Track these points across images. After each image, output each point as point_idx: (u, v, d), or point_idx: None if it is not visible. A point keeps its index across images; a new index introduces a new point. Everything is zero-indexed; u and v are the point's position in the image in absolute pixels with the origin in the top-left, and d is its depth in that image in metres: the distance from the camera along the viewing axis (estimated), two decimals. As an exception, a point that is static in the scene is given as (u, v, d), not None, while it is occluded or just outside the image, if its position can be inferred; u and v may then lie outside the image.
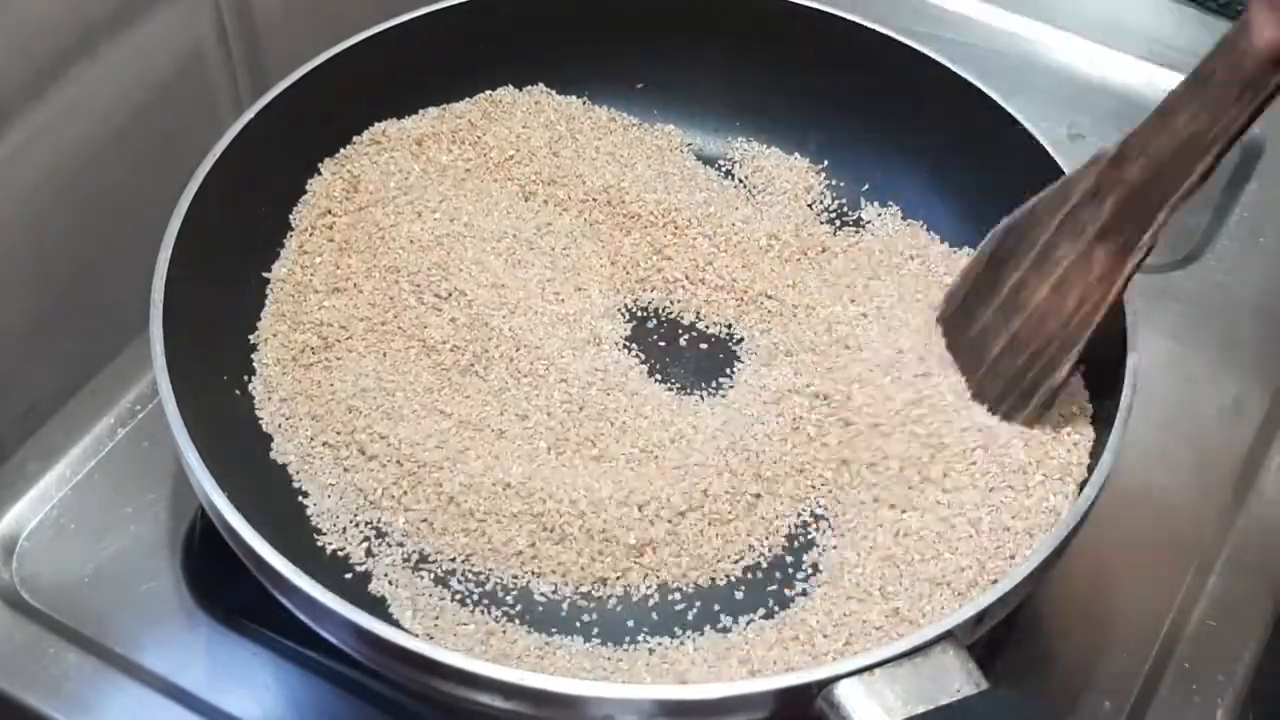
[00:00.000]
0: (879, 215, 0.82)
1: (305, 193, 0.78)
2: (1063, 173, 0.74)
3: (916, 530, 0.66)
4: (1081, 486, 0.66)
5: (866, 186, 0.83)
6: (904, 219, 0.82)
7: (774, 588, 0.66)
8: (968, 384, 0.69)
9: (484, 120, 0.82)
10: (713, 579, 0.66)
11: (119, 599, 0.71)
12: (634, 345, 0.76)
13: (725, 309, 0.77)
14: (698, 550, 0.66)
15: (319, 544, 0.67)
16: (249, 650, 0.69)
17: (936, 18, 0.99)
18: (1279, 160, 0.92)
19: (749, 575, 0.67)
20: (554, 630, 0.64)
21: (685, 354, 0.76)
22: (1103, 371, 0.70)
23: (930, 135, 0.81)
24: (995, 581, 0.62)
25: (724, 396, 0.74)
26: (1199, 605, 0.72)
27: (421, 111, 0.82)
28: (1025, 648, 0.70)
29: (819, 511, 0.68)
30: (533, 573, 0.66)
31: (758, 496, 0.68)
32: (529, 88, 0.84)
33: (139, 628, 0.70)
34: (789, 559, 0.67)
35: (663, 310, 0.78)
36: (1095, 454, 0.67)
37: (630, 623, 0.65)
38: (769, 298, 0.77)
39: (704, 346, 0.76)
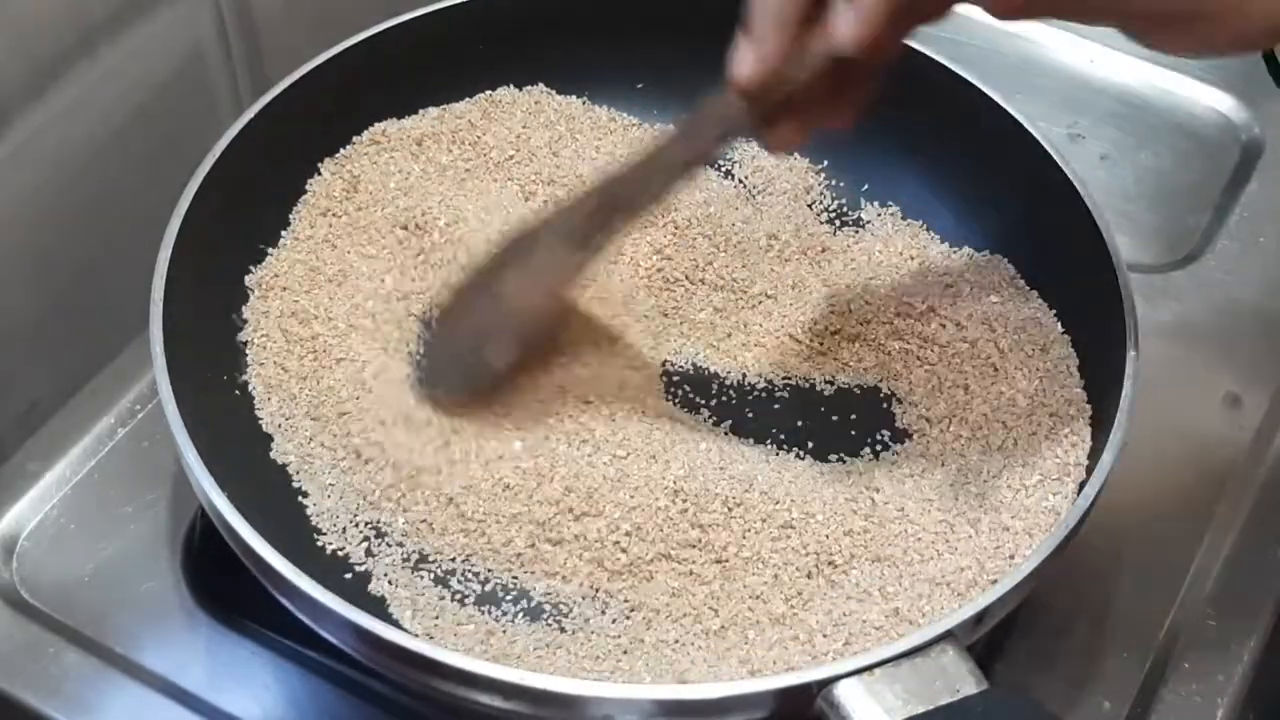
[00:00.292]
0: (879, 215, 0.82)
1: (305, 192, 0.78)
2: (1063, 173, 0.74)
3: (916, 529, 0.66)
4: (1081, 487, 0.66)
5: (866, 186, 0.83)
6: (904, 219, 0.82)
7: (773, 584, 0.66)
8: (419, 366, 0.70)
9: (484, 120, 0.82)
10: (711, 580, 0.66)
11: (119, 599, 0.71)
12: (633, 348, 0.76)
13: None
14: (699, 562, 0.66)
15: (319, 544, 0.67)
16: (249, 650, 0.69)
17: (936, 17, 0.99)
18: (1279, 160, 0.92)
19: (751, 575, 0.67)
20: (554, 630, 0.64)
21: (682, 360, 0.76)
22: (1102, 371, 0.70)
23: (930, 135, 0.81)
24: (995, 581, 0.62)
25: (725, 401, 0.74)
26: (1199, 605, 0.72)
27: (421, 111, 0.82)
28: (1025, 648, 0.70)
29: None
30: (532, 573, 0.66)
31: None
32: (529, 88, 0.84)
33: (139, 628, 0.70)
34: (788, 559, 0.67)
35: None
36: (1095, 454, 0.67)
37: (630, 622, 0.64)
38: (769, 298, 0.77)
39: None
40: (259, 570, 0.61)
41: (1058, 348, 0.73)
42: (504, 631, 0.64)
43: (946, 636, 0.58)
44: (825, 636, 0.63)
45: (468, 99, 0.83)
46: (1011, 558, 0.65)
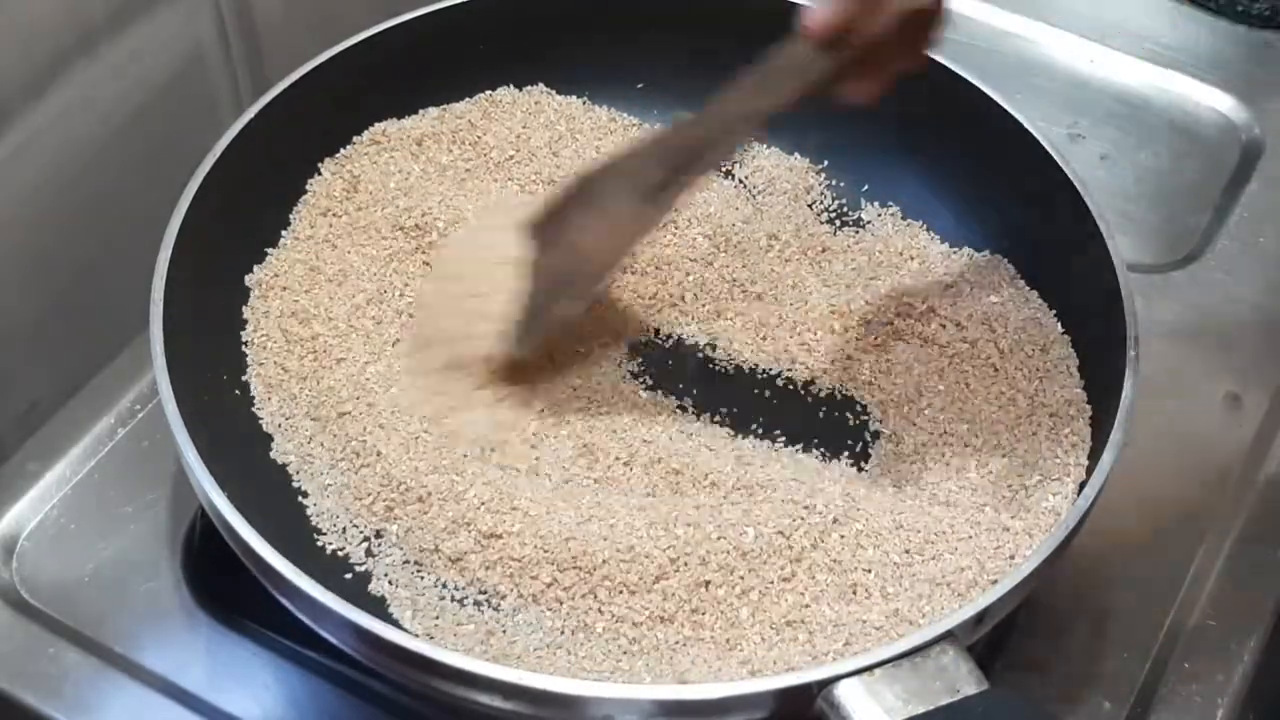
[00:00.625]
0: (879, 215, 0.82)
1: (305, 192, 0.78)
2: (1063, 173, 0.74)
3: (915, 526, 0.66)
4: (1081, 487, 0.66)
5: (866, 186, 0.83)
6: (904, 219, 0.82)
7: (773, 584, 0.66)
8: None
9: (484, 120, 0.82)
10: (710, 582, 0.66)
11: (119, 599, 0.71)
12: (634, 350, 0.76)
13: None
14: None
15: (319, 544, 0.67)
16: (249, 650, 0.69)
17: (936, 18, 0.99)
18: (1279, 160, 0.92)
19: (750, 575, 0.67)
20: (554, 630, 0.64)
21: (685, 358, 0.76)
22: (1102, 371, 0.70)
23: (930, 135, 0.81)
24: (995, 581, 0.62)
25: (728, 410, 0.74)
26: (1199, 605, 0.72)
27: (421, 112, 0.82)
28: (1025, 648, 0.70)
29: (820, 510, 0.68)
30: (532, 580, 0.66)
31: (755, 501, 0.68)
32: (529, 88, 0.84)
33: (139, 628, 0.70)
34: (789, 559, 0.67)
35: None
36: (1095, 454, 0.67)
37: (630, 622, 0.64)
38: (769, 297, 0.77)
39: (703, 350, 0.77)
40: (259, 570, 0.61)
41: (1058, 348, 0.73)
42: (504, 631, 0.64)
43: (947, 637, 0.58)
44: (825, 636, 0.63)
45: (468, 99, 0.83)
46: (1011, 558, 0.65)
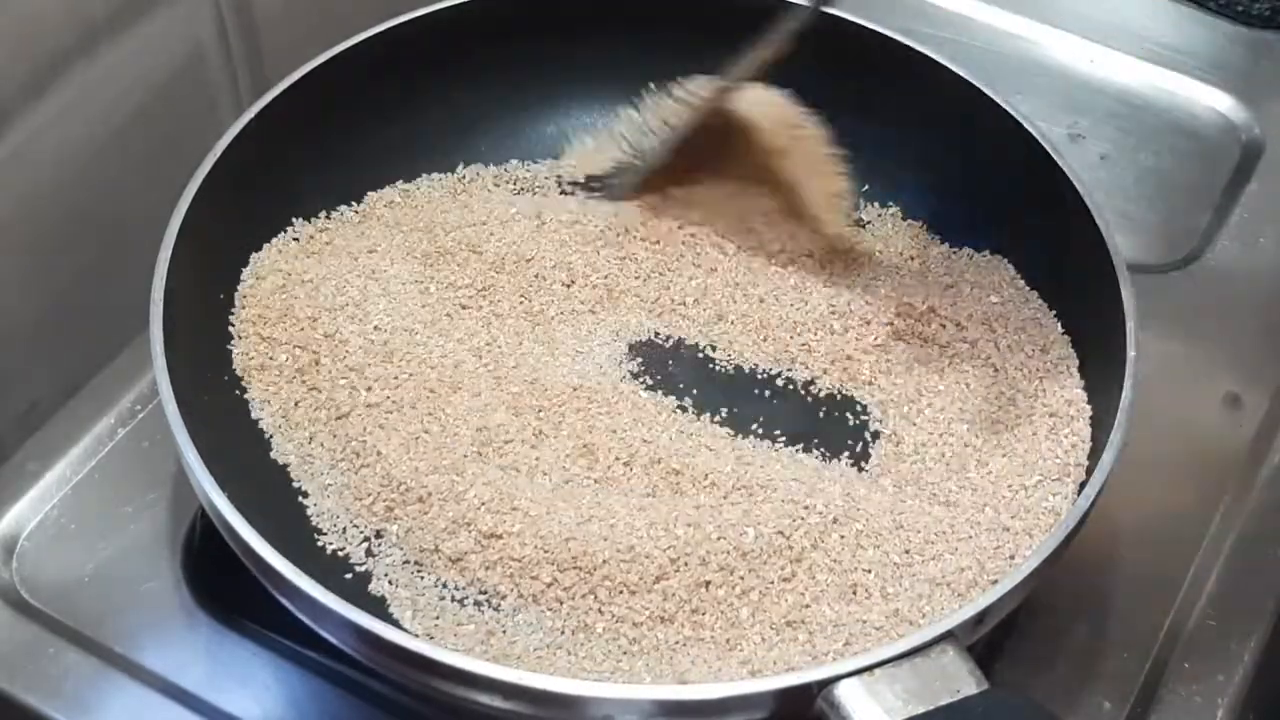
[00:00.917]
0: (879, 215, 0.82)
1: (305, 192, 0.78)
2: (1063, 172, 0.74)
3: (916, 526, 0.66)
4: (1081, 487, 0.66)
5: (866, 187, 0.83)
6: (904, 219, 0.82)
7: (773, 584, 0.66)
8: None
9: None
10: (710, 582, 0.66)
11: (119, 599, 0.71)
12: (633, 352, 0.76)
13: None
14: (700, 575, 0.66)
15: (319, 544, 0.67)
16: (249, 650, 0.69)
17: (936, 18, 0.99)
18: (1279, 160, 0.92)
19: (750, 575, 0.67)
20: (554, 630, 0.64)
21: (686, 361, 0.76)
22: (1102, 371, 0.70)
23: (930, 135, 0.81)
24: (995, 581, 0.62)
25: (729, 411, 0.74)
26: (1199, 605, 0.72)
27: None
28: (1025, 648, 0.70)
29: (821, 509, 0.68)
30: (532, 580, 0.66)
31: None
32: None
33: (139, 628, 0.70)
34: (789, 559, 0.67)
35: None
36: (1095, 454, 0.67)
37: (630, 622, 0.64)
38: (770, 298, 0.77)
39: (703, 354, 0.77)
40: (259, 570, 0.61)
41: (1058, 348, 0.73)
42: (504, 631, 0.64)
43: (947, 637, 0.58)
44: (825, 636, 0.63)
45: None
46: (1011, 558, 0.65)
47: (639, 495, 0.68)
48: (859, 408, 0.74)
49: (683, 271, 0.78)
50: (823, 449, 0.72)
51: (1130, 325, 0.68)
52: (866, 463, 0.72)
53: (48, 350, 0.77)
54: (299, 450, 0.70)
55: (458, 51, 0.82)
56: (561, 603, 0.64)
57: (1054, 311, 0.75)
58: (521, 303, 0.76)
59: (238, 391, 0.71)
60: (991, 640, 0.68)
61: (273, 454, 0.70)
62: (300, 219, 0.78)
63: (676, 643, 0.63)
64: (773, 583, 0.64)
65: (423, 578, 0.66)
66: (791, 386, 0.75)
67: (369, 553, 0.67)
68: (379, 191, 0.81)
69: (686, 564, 0.64)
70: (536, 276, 0.76)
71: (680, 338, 0.76)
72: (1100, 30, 0.99)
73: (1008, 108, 0.77)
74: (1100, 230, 0.72)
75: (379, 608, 0.65)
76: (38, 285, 0.76)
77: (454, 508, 0.66)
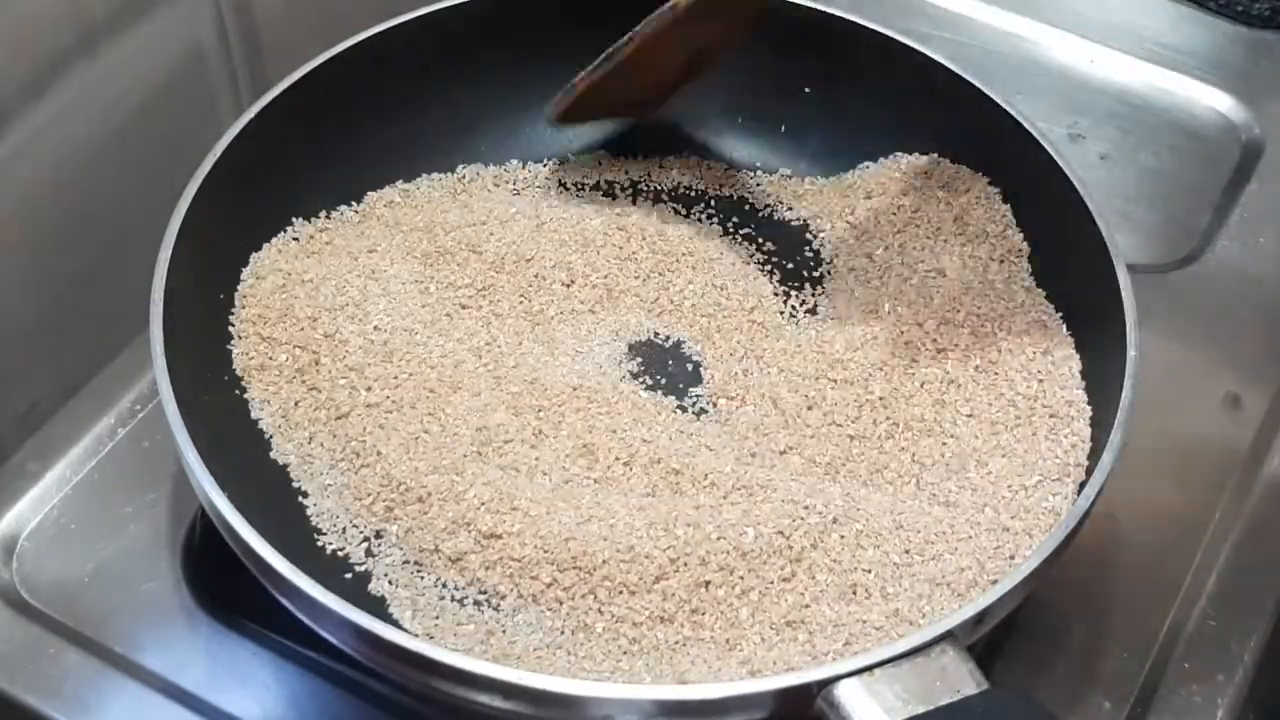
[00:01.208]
0: (879, 215, 0.82)
1: (305, 192, 0.78)
2: (1063, 173, 0.74)
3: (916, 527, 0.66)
4: (1081, 487, 0.66)
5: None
6: (904, 219, 0.82)
7: (773, 584, 0.66)
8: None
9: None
10: (710, 582, 0.66)
11: (119, 599, 0.71)
12: (633, 352, 0.76)
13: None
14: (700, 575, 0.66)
15: (319, 544, 0.67)
16: (249, 650, 0.69)
17: (936, 18, 0.99)
18: (1279, 160, 0.92)
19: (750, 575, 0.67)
20: (554, 630, 0.64)
21: (686, 361, 0.76)
22: (1102, 372, 0.70)
23: (930, 135, 0.81)
24: (995, 581, 0.62)
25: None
26: (1199, 605, 0.72)
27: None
28: (1025, 648, 0.70)
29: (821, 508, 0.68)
30: (532, 580, 0.66)
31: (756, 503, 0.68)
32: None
33: (139, 628, 0.70)
34: (788, 559, 0.67)
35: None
36: (1094, 454, 0.67)
37: (630, 622, 0.64)
38: (771, 298, 0.77)
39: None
40: (259, 570, 0.61)
41: (1059, 349, 0.73)
42: (504, 631, 0.64)
43: (946, 637, 0.58)
44: (825, 637, 0.63)
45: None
46: (1011, 558, 0.65)
47: (639, 495, 0.68)
48: (859, 407, 0.74)
49: (682, 272, 0.78)
50: (821, 449, 0.72)
51: (1130, 325, 0.68)
52: (866, 463, 0.71)
53: (48, 350, 0.77)
54: (299, 450, 0.70)
55: (458, 51, 0.82)
56: (561, 603, 0.64)
57: (1054, 311, 0.75)
58: (521, 303, 0.76)
59: (238, 391, 0.71)
60: (991, 640, 0.68)
61: (272, 454, 0.70)
62: (300, 219, 0.78)
63: (676, 643, 0.63)
64: (772, 583, 0.64)
65: (422, 578, 0.66)
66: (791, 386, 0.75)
67: (369, 553, 0.67)
68: (379, 191, 0.81)
69: (686, 564, 0.64)
70: (536, 276, 0.77)
71: (680, 338, 0.76)
72: (1100, 30, 0.99)
73: (1008, 108, 0.77)
74: (1100, 230, 0.72)
75: (379, 608, 0.65)
76: (38, 285, 0.76)
77: (454, 508, 0.66)
